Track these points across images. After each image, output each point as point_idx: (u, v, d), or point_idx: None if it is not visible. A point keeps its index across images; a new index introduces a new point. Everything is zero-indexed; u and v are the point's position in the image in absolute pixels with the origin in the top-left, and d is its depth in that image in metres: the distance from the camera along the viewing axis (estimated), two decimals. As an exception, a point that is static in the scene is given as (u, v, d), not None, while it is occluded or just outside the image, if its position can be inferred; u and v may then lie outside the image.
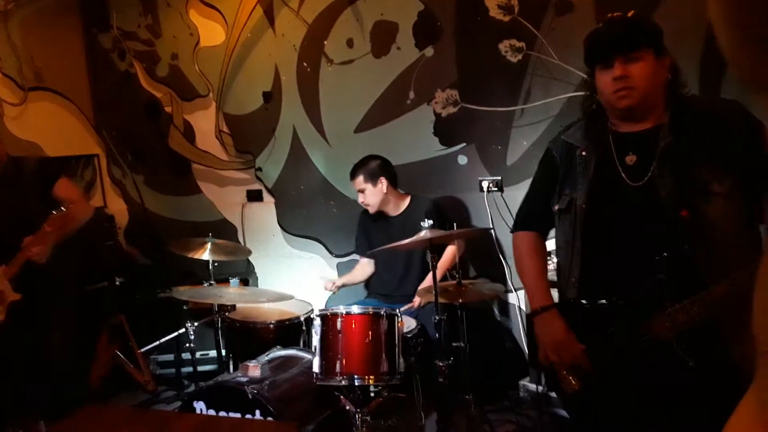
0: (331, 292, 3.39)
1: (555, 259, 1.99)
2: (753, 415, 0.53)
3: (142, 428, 1.69)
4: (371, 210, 3.24)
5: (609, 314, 1.67)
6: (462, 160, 3.43)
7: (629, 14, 1.67)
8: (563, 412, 2.85)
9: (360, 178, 3.19)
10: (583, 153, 1.73)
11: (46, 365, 2.88)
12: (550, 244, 2.06)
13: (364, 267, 3.45)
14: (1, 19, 4.04)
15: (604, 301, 1.69)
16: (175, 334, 3.11)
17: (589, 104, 1.74)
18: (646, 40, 1.59)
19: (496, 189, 3.33)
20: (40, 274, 2.74)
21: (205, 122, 4.24)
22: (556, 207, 1.80)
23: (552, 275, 1.98)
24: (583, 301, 1.73)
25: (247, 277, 4.10)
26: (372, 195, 3.19)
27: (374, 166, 3.20)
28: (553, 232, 1.91)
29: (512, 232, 1.98)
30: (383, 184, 3.19)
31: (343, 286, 3.39)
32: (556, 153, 1.82)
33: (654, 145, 1.61)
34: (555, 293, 1.87)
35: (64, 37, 4.48)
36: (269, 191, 4.13)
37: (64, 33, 4.49)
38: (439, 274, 2.88)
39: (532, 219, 1.94)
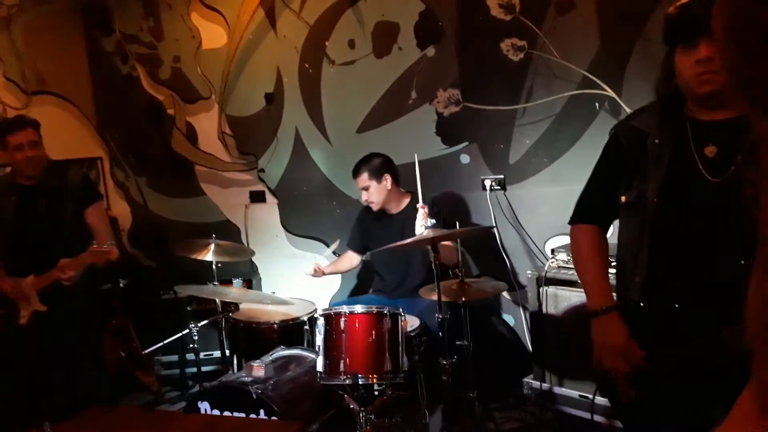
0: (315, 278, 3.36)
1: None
2: (750, 419, 0.51)
3: (147, 429, 1.69)
4: (375, 207, 3.24)
5: (675, 321, 1.54)
6: (464, 159, 3.43)
7: None
8: (568, 409, 2.85)
9: (364, 175, 3.19)
10: (656, 141, 1.56)
11: (74, 375, 2.90)
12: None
13: (351, 259, 3.48)
14: (3, 23, 4.06)
15: (675, 305, 1.54)
16: (179, 334, 3.12)
17: (666, 87, 1.55)
18: None
19: (498, 187, 3.33)
20: (68, 293, 2.75)
21: (207, 124, 4.26)
22: (623, 199, 1.63)
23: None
24: (647, 304, 1.59)
25: (251, 278, 4.10)
26: (376, 192, 3.19)
27: (378, 163, 3.20)
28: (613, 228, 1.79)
29: (570, 224, 1.81)
30: (387, 181, 3.19)
31: (326, 274, 3.38)
32: (624, 140, 1.64)
33: (738, 137, 1.41)
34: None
35: (66, 41, 4.50)
36: (272, 192, 4.14)
37: (67, 37, 4.51)
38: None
39: (593, 211, 1.76)
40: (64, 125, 4.45)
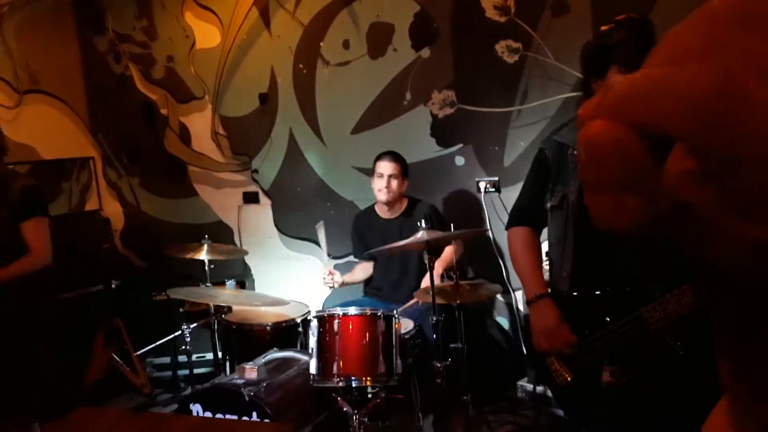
0: (329, 287, 3.30)
1: (545, 258, 2.06)
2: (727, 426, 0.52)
3: (137, 430, 1.67)
4: (385, 197, 3.15)
5: (600, 306, 1.75)
6: (459, 161, 3.42)
7: (646, 19, 1.73)
8: (561, 412, 2.85)
9: (396, 164, 3.14)
10: (574, 152, 1.76)
11: (32, 374, 2.87)
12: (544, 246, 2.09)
13: (366, 268, 3.42)
14: (-5, 22, 4.03)
15: (597, 292, 1.77)
16: (172, 336, 3.10)
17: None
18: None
19: (493, 190, 3.32)
20: (7, 291, 2.73)
21: (201, 124, 4.23)
22: (549, 204, 1.86)
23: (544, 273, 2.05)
24: (575, 293, 1.82)
25: (244, 279, 4.09)
26: (398, 186, 3.14)
27: (406, 162, 3.20)
28: (545, 234, 1.99)
29: (507, 228, 2.05)
30: (407, 183, 3.21)
31: (344, 284, 3.33)
32: (548, 152, 1.88)
33: None
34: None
35: (59, 40, 4.47)
36: (266, 193, 4.12)
37: (60, 36, 4.48)
38: (436, 272, 2.89)
39: (525, 215, 2.00)
40: (56, 125, 4.42)
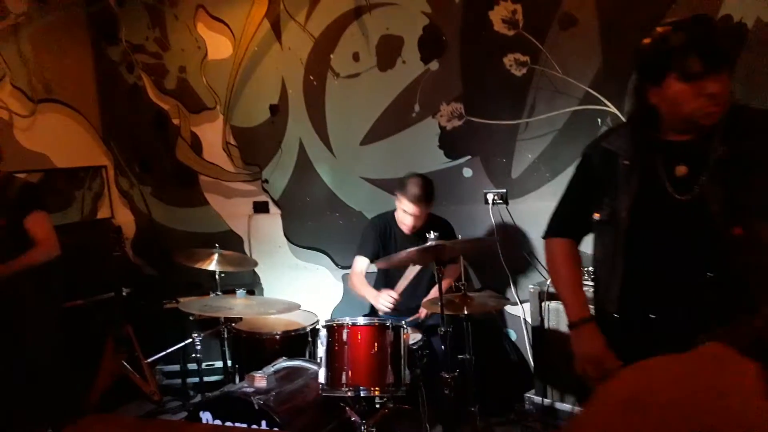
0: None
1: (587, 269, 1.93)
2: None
3: (150, 438, 1.70)
4: (405, 231, 3.14)
5: (652, 330, 1.61)
6: (467, 172, 3.45)
7: (709, 19, 1.56)
8: (568, 425, 2.85)
9: (425, 207, 3.07)
10: (626, 162, 1.63)
11: (38, 380, 2.93)
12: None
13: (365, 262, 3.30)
14: (11, 31, 4.09)
15: (646, 318, 1.62)
16: (182, 344, 3.13)
17: (639, 111, 1.61)
18: (733, 54, 1.54)
19: (501, 201, 3.34)
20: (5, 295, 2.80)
21: (212, 134, 4.28)
22: (597, 216, 1.72)
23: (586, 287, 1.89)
24: (624, 316, 1.66)
25: (253, 288, 4.12)
26: (421, 222, 3.10)
27: (434, 193, 3.11)
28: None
29: (544, 238, 1.90)
30: (431, 207, 3.15)
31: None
32: (595, 160, 1.74)
33: (704, 156, 1.51)
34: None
35: (73, 50, 4.54)
36: (275, 203, 4.17)
37: (74, 46, 4.55)
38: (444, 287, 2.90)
39: (567, 226, 1.85)
40: (69, 133, 4.48)
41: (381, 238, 3.27)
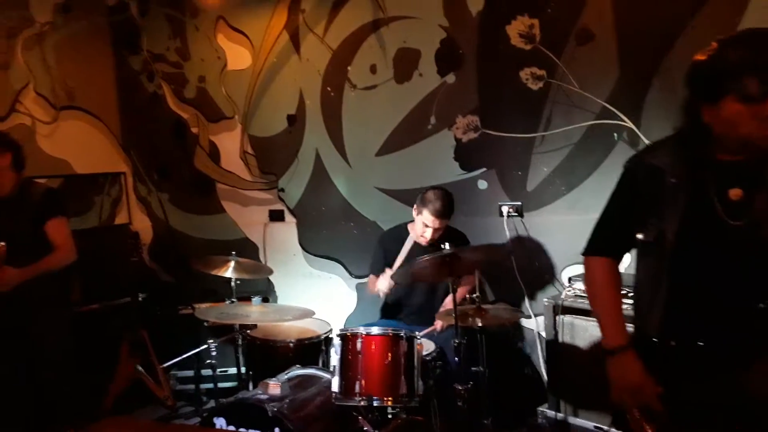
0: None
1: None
2: None
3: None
4: (423, 243, 3.12)
5: (695, 359, 1.54)
6: (482, 184, 3.46)
7: (763, 35, 1.46)
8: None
9: (446, 220, 3.07)
10: (673, 180, 1.55)
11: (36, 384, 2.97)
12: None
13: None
14: (36, 40, 4.19)
15: (693, 344, 1.54)
16: (198, 350, 3.15)
17: (692, 129, 1.53)
18: None
19: (516, 214, 3.35)
20: (17, 299, 2.85)
21: (230, 143, 4.34)
22: (641, 237, 1.64)
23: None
24: (665, 343, 1.59)
25: (268, 295, 4.15)
26: (440, 234, 3.07)
27: (453, 206, 3.11)
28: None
29: (584, 254, 1.81)
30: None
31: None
32: (639, 176, 1.65)
33: (760, 179, 1.45)
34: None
35: (95, 59, 4.64)
36: (291, 211, 4.20)
37: (96, 54, 4.64)
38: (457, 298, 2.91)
39: (608, 244, 1.76)
40: (90, 140, 4.57)
41: (387, 256, 3.26)
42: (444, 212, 3.04)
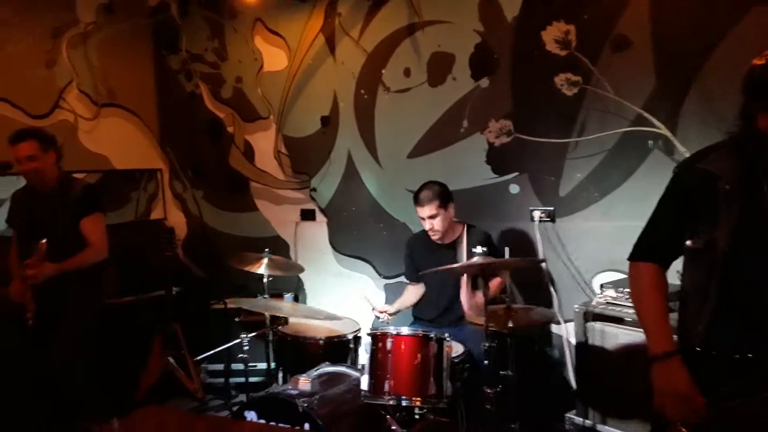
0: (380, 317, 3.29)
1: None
2: None
3: (202, 431, 1.78)
4: (437, 236, 3.17)
5: (740, 371, 1.51)
6: (514, 189, 3.47)
7: None
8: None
9: (434, 203, 3.10)
10: (727, 187, 1.52)
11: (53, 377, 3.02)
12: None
13: (416, 290, 3.40)
14: (81, 39, 4.33)
15: (736, 357, 1.52)
16: (230, 344, 3.22)
17: (746, 133, 1.52)
18: None
19: (547, 219, 3.35)
20: (51, 292, 2.93)
21: (264, 143, 4.42)
22: (690, 244, 1.61)
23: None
24: (710, 352, 1.57)
25: (297, 293, 4.21)
26: (443, 221, 3.11)
27: (444, 191, 3.15)
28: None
29: (630, 260, 1.78)
30: (452, 209, 3.17)
31: (397, 312, 3.31)
32: (689, 182, 1.62)
33: None
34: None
35: (136, 58, 4.76)
36: (322, 211, 4.26)
37: (137, 54, 4.77)
38: (479, 303, 2.94)
39: (655, 250, 1.73)
40: (128, 137, 4.69)
41: (411, 257, 3.37)
42: (421, 198, 3.12)
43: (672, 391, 1.58)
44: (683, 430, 1.57)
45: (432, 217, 3.12)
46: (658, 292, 1.70)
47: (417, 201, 3.16)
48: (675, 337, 1.68)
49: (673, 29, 2.94)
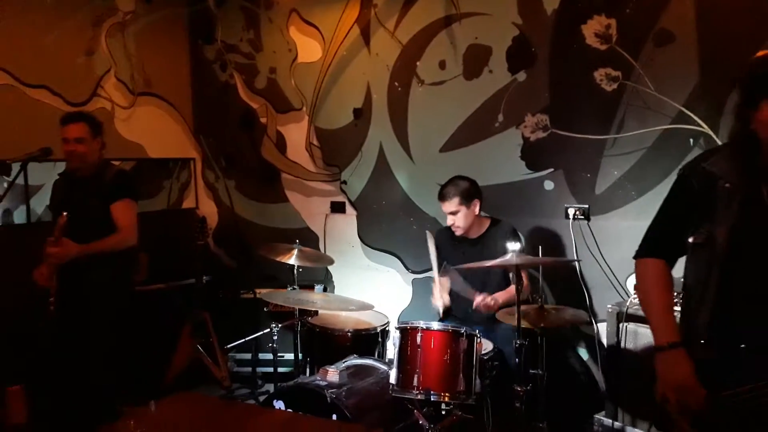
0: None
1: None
2: None
3: (233, 418, 1.79)
4: (459, 232, 3.17)
5: (740, 362, 1.57)
6: (548, 185, 3.41)
7: None
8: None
9: (455, 200, 3.09)
10: (727, 185, 1.60)
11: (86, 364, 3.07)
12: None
13: (444, 282, 3.32)
14: (119, 28, 4.39)
15: (737, 349, 1.57)
16: (259, 333, 3.24)
17: (743, 134, 1.59)
18: None
19: (582, 217, 3.28)
20: (77, 276, 2.96)
21: (296, 134, 4.43)
22: (692, 240, 1.68)
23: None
24: (711, 345, 1.62)
25: (325, 285, 4.22)
26: (465, 217, 3.11)
27: (468, 188, 3.13)
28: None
29: (636, 258, 1.86)
30: (477, 206, 3.14)
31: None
32: (693, 181, 1.69)
33: None
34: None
35: (172, 47, 4.81)
36: (352, 204, 4.25)
37: (173, 43, 4.82)
38: (497, 303, 2.94)
39: (660, 246, 1.80)
40: (163, 126, 4.75)
41: (438, 250, 3.31)
42: (444, 194, 3.12)
43: (674, 381, 1.64)
44: (684, 421, 1.63)
45: (453, 213, 3.11)
46: (663, 287, 1.77)
47: (440, 196, 3.16)
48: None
49: (720, 24, 2.85)
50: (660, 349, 1.70)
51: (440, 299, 3.20)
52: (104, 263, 3.00)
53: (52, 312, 2.89)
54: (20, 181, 3.72)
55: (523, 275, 2.94)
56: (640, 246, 1.85)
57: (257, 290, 4.03)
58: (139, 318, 3.75)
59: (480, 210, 3.19)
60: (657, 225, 1.83)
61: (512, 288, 2.98)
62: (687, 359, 1.64)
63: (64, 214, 2.85)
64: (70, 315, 2.99)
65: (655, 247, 1.81)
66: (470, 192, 3.13)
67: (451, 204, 3.10)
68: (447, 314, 3.33)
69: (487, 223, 3.24)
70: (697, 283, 1.66)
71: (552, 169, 3.40)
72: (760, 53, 1.58)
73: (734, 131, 1.63)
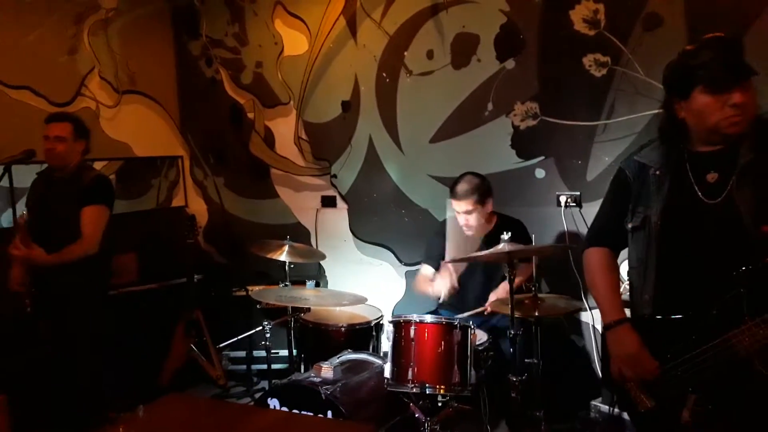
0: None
1: (626, 279, 1.98)
2: None
3: (224, 419, 1.76)
4: (471, 232, 3.05)
5: (684, 330, 1.69)
6: (539, 173, 3.39)
7: (735, 38, 1.70)
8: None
9: (471, 199, 2.96)
10: (657, 172, 1.77)
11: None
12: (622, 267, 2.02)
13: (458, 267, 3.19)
14: (101, 26, 4.32)
15: (680, 316, 1.70)
16: (252, 331, 3.21)
17: (669, 125, 1.75)
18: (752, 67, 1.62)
19: (574, 204, 3.27)
20: (49, 282, 2.94)
21: (285, 129, 4.38)
22: (630, 225, 1.82)
23: (623, 295, 1.98)
24: (657, 317, 1.75)
25: (318, 280, 4.19)
26: (479, 217, 3.00)
27: (483, 186, 3.01)
28: (624, 254, 1.92)
29: (583, 250, 2.00)
30: (490, 204, 3.05)
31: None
32: (629, 172, 1.85)
33: (733, 163, 1.65)
34: (627, 312, 1.89)
35: (156, 44, 4.74)
36: (343, 198, 4.22)
37: (157, 40, 4.75)
38: (506, 290, 2.86)
39: (604, 236, 1.96)
40: (149, 124, 4.69)
41: (443, 240, 3.23)
42: (458, 192, 2.99)
43: (625, 354, 1.77)
44: (642, 394, 1.74)
45: (468, 212, 2.99)
46: (606, 269, 1.92)
47: (453, 194, 3.02)
48: (628, 311, 1.87)
49: (707, 5, 2.83)
50: (608, 327, 1.84)
51: (447, 284, 3.05)
52: (76, 268, 2.93)
53: (29, 313, 2.89)
54: (5, 183, 3.65)
55: (532, 265, 2.90)
56: (586, 238, 2.04)
57: (249, 287, 4.00)
58: (131, 319, 3.73)
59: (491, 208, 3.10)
60: (599, 217, 2.00)
61: (516, 280, 2.96)
62: (633, 332, 1.77)
63: (24, 213, 2.83)
64: (46, 315, 2.97)
65: (599, 237, 1.97)
66: (485, 190, 3.02)
67: (467, 203, 2.97)
68: (446, 304, 3.28)
69: (495, 220, 3.15)
70: (639, 263, 1.81)
71: (543, 157, 3.37)
72: (688, 47, 1.69)
73: (663, 122, 1.77)
